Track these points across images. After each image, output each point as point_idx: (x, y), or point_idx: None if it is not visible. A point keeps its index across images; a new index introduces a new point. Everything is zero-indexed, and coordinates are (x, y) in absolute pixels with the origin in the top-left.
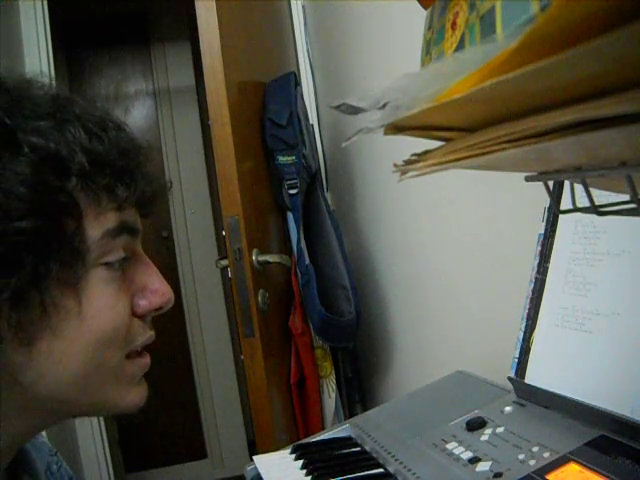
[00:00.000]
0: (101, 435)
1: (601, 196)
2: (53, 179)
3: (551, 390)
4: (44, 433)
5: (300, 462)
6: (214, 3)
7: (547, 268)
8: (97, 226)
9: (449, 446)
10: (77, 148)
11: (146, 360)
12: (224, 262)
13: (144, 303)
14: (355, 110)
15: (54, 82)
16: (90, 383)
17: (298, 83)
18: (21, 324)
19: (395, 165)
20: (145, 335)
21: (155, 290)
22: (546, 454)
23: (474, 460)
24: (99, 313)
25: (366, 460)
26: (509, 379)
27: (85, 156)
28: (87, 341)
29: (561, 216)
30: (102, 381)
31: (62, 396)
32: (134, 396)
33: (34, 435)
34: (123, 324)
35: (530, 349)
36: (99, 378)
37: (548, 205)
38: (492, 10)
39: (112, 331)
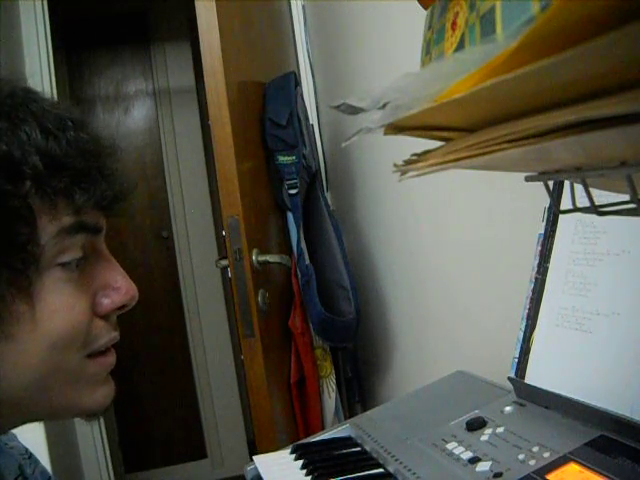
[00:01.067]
0: (101, 435)
1: (601, 196)
2: (4, 183)
3: (551, 390)
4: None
5: (300, 462)
6: (214, 3)
7: (547, 268)
8: (51, 226)
9: (449, 446)
10: (32, 149)
11: (111, 359)
12: (224, 262)
13: (106, 302)
14: (355, 110)
15: (10, 78)
16: (48, 386)
17: (298, 83)
18: None
19: (395, 165)
20: (108, 335)
21: (117, 288)
22: (546, 454)
23: (474, 460)
24: (55, 315)
25: (366, 460)
26: (509, 379)
27: (40, 158)
28: (42, 344)
29: (561, 216)
30: (61, 383)
31: (19, 400)
32: (98, 396)
33: None
34: (82, 325)
35: (530, 349)
36: (57, 381)
37: (548, 205)
38: (492, 10)
39: (70, 333)
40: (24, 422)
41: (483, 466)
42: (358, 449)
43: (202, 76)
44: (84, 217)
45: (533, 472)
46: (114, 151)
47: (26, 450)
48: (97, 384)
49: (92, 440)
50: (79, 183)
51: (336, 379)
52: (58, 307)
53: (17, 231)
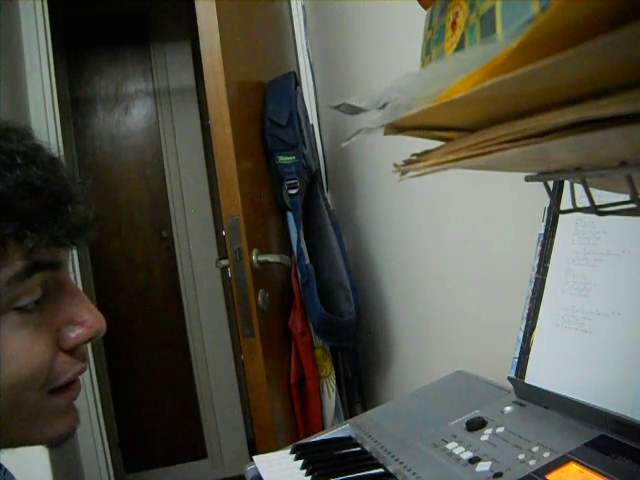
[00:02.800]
0: (101, 435)
1: (601, 196)
2: None
3: (551, 390)
4: None
5: (300, 462)
6: (214, 3)
7: (547, 268)
8: (1, 274)
9: (449, 446)
10: None
11: (74, 392)
12: (224, 262)
13: (71, 337)
14: (355, 110)
15: None
16: (8, 423)
17: (298, 83)
18: None
19: (395, 165)
20: (73, 370)
21: (82, 322)
22: (546, 454)
23: (474, 460)
24: (13, 358)
25: (366, 460)
26: (509, 379)
27: None
28: (1, 387)
29: (561, 216)
30: (20, 420)
31: None
32: (58, 428)
33: None
34: (43, 365)
35: (530, 349)
36: (16, 418)
37: (548, 205)
38: (492, 10)
39: (29, 374)
40: None
41: (483, 466)
42: (358, 449)
43: (202, 76)
44: (38, 256)
45: (533, 472)
46: (73, 179)
47: (0, 465)
48: (59, 417)
49: (92, 440)
50: (29, 225)
51: (336, 379)
52: (16, 352)
53: None
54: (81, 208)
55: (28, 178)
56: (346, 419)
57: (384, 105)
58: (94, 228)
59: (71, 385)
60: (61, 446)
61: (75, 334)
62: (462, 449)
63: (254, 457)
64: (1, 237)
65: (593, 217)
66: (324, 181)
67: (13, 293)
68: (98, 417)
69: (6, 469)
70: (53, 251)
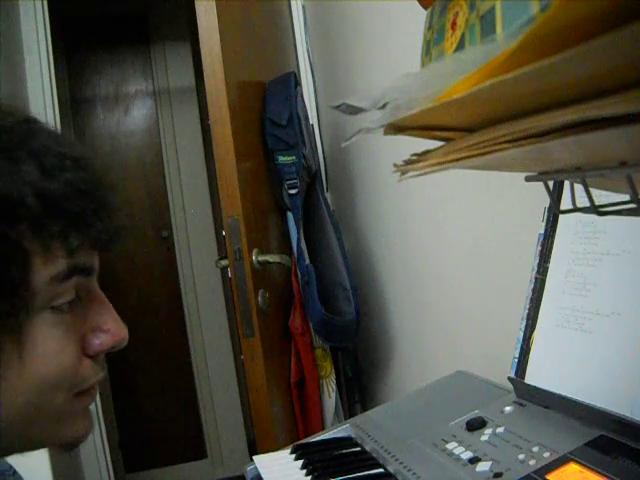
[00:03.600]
0: (101, 435)
1: (601, 196)
2: (0, 226)
3: (551, 390)
4: None
5: (300, 462)
6: (214, 3)
7: (547, 268)
8: (45, 271)
9: (449, 446)
10: (29, 190)
11: (92, 397)
12: (224, 262)
13: (96, 343)
14: (355, 110)
15: (13, 113)
16: (31, 423)
17: (298, 83)
18: None
19: (395, 165)
20: (96, 376)
21: (107, 330)
22: (546, 454)
23: (474, 460)
24: (43, 359)
25: (366, 460)
26: (509, 379)
27: (38, 200)
28: (29, 385)
29: (561, 216)
30: (43, 420)
31: (3, 433)
32: (76, 430)
33: None
34: (71, 368)
35: (530, 349)
36: (42, 418)
37: (548, 205)
38: (492, 10)
39: (58, 375)
40: None
41: (483, 466)
42: (358, 449)
43: (202, 76)
44: (78, 259)
45: (533, 472)
46: (113, 187)
47: (10, 467)
48: (78, 419)
49: (92, 440)
50: (75, 226)
51: (336, 379)
52: (47, 351)
53: (9, 275)
54: (120, 215)
55: (76, 181)
56: (346, 419)
57: (384, 105)
58: (124, 238)
59: (90, 390)
60: (75, 449)
61: (100, 341)
62: (462, 449)
63: (254, 457)
64: (48, 235)
65: (593, 217)
66: (324, 181)
67: (53, 292)
68: (99, 417)
69: (15, 470)
70: (90, 256)
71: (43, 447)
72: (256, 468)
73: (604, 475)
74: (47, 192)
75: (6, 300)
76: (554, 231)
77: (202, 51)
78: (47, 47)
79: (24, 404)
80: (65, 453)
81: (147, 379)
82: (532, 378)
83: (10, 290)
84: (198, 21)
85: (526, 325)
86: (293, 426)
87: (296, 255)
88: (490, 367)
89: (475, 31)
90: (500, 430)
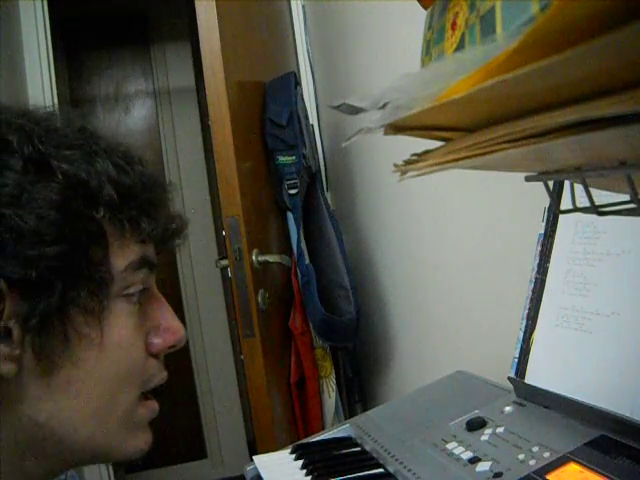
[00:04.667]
0: None
1: (601, 196)
2: (83, 207)
3: (551, 390)
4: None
5: (300, 462)
6: (214, 3)
7: (547, 268)
8: (121, 257)
9: (449, 446)
10: (105, 179)
11: (155, 405)
12: (224, 262)
13: (158, 341)
14: (355, 110)
15: (79, 116)
16: (103, 422)
17: (298, 83)
18: (44, 351)
19: (395, 165)
20: (160, 375)
21: (168, 327)
22: (546, 454)
23: (474, 460)
24: (119, 346)
25: (366, 460)
26: (509, 379)
27: (113, 187)
28: (106, 374)
29: (561, 216)
30: (114, 422)
31: (74, 436)
32: (139, 442)
33: None
34: (140, 361)
35: (530, 349)
36: (112, 417)
37: (548, 205)
38: (492, 10)
39: (129, 367)
40: (62, 468)
41: (483, 466)
42: (358, 449)
43: (202, 76)
44: (147, 251)
45: (533, 472)
46: (171, 188)
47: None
48: (140, 430)
49: None
50: (146, 213)
51: (336, 379)
52: (122, 339)
53: (94, 253)
54: (178, 212)
55: (143, 176)
56: (346, 419)
57: (384, 105)
58: (183, 236)
59: (151, 397)
60: (133, 463)
61: (161, 339)
62: (462, 449)
63: (254, 457)
64: (124, 219)
65: (593, 217)
66: (324, 181)
67: (127, 280)
68: None
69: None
70: (153, 253)
71: (106, 459)
72: (256, 468)
73: (604, 475)
74: (120, 183)
75: (92, 279)
76: (554, 231)
77: (202, 51)
78: (47, 47)
79: (100, 396)
80: (121, 469)
81: None
82: (532, 378)
83: (95, 267)
84: (198, 21)
85: (526, 325)
86: (293, 426)
87: (296, 255)
88: (490, 367)
89: (475, 31)
90: (500, 430)
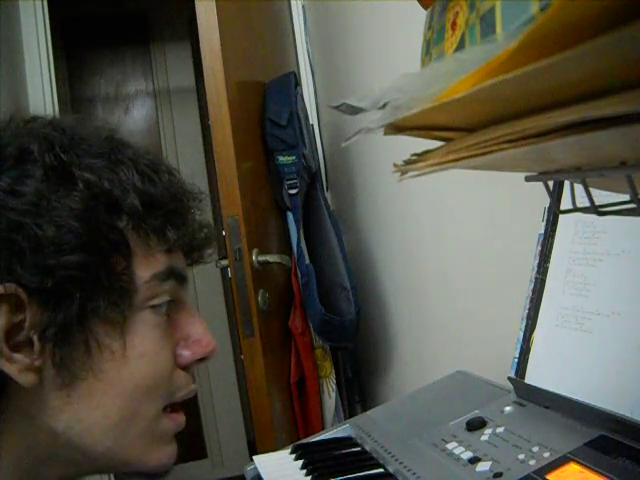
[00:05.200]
0: None
1: (601, 196)
2: (105, 216)
3: (551, 390)
4: None
5: (300, 462)
6: (214, 3)
7: (547, 268)
8: (146, 267)
9: (449, 446)
10: (130, 188)
11: (182, 418)
12: (224, 262)
13: (187, 354)
14: (355, 110)
15: (107, 125)
16: (124, 434)
17: (298, 83)
18: (64, 362)
19: (395, 165)
20: (188, 388)
21: (198, 340)
22: (546, 454)
23: (474, 460)
24: (142, 358)
25: (366, 460)
26: (509, 379)
27: (137, 196)
28: (127, 386)
29: (561, 216)
30: (135, 434)
31: (93, 446)
32: (163, 455)
33: None
34: (166, 373)
35: (530, 349)
36: (133, 429)
37: (548, 205)
38: (492, 10)
39: (153, 379)
40: (83, 474)
41: (483, 466)
42: (358, 449)
43: (202, 76)
44: (174, 262)
45: (533, 472)
46: (200, 198)
47: None
48: (164, 443)
49: None
50: (171, 222)
51: (336, 379)
52: (146, 351)
53: (115, 263)
54: (207, 223)
55: (171, 186)
56: (346, 419)
57: (384, 105)
58: (211, 249)
59: (178, 409)
60: (159, 478)
61: (191, 351)
62: (462, 449)
63: (254, 457)
64: (148, 229)
65: (593, 217)
66: (324, 181)
67: (152, 291)
68: None
69: None
70: (183, 263)
71: (128, 469)
72: (256, 468)
73: (604, 475)
74: (145, 192)
75: (113, 287)
76: (554, 231)
77: (202, 51)
78: (47, 47)
79: (121, 408)
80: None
81: None
82: (532, 378)
83: (116, 278)
84: (198, 21)
85: (526, 325)
86: (293, 426)
87: (296, 255)
88: (490, 367)
89: (475, 31)
90: (500, 430)
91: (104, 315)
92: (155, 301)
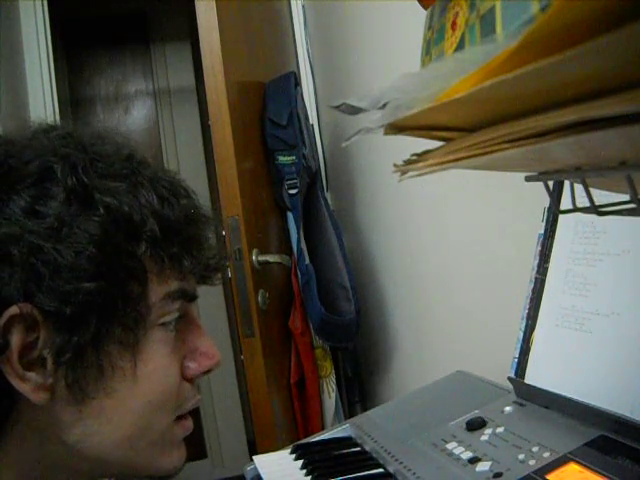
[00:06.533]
0: None
1: (601, 196)
2: (124, 243)
3: (551, 390)
4: None
5: (300, 462)
6: (214, 3)
7: (547, 268)
8: (159, 290)
9: (449, 446)
10: (149, 213)
11: (190, 423)
12: None
13: (194, 366)
14: (355, 110)
15: (127, 141)
16: (135, 445)
17: (298, 83)
18: (77, 382)
19: (395, 165)
20: (194, 399)
21: (204, 352)
22: (546, 454)
23: (474, 460)
24: (153, 375)
25: (366, 460)
26: (509, 379)
27: (156, 222)
28: (139, 403)
29: (561, 216)
30: (147, 444)
31: (104, 456)
32: (173, 459)
33: None
34: (174, 387)
35: (530, 349)
36: (145, 441)
37: (548, 205)
38: (492, 10)
39: (164, 395)
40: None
41: (483, 466)
42: (358, 449)
43: (202, 76)
44: (185, 284)
45: (533, 472)
46: (212, 221)
47: None
48: (175, 447)
49: None
50: (188, 250)
51: (336, 379)
52: (156, 367)
53: (131, 290)
54: (219, 246)
55: (189, 209)
56: (346, 419)
57: (384, 105)
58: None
59: (187, 416)
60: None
61: (197, 363)
62: (462, 449)
63: (254, 457)
64: (165, 256)
65: (593, 217)
66: (324, 181)
67: (163, 309)
68: None
69: None
70: (194, 284)
71: (139, 475)
72: (256, 468)
73: (604, 475)
74: (164, 217)
75: (128, 314)
76: (554, 231)
77: (202, 51)
78: (47, 47)
79: (132, 424)
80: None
81: None
82: (532, 378)
83: (132, 305)
84: (198, 21)
85: (526, 325)
86: (293, 426)
87: (296, 255)
88: (490, 367)
89: (475, 31)
90: (500, 430)
91: (118, 338)
92: (165, 318)
